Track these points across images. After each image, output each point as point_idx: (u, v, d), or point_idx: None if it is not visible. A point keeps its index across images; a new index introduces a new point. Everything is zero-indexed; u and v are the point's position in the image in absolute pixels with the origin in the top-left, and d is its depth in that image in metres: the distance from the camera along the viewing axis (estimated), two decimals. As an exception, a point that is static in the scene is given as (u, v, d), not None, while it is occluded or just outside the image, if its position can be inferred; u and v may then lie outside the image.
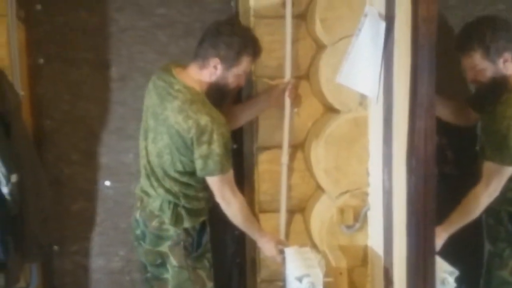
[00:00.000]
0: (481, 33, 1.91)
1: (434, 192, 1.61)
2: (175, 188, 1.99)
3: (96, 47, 2.30)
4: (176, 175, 1.98)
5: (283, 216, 2.18)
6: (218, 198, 2.01)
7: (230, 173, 1.98)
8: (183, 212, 2.00)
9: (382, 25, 1.76)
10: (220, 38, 1.92)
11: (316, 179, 2.16)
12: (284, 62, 2.10)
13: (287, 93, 2.10)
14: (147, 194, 2.05)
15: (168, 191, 1.99)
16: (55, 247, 2.37)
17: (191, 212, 2.02)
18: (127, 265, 2.42)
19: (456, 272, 1.82)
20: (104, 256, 2.41)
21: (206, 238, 2.08)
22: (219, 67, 1.94)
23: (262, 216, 2.22)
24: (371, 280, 2.11)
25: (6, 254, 1.91)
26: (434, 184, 1.61)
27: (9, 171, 1.89)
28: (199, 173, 1.95)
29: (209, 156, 1.90)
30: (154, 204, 2.02)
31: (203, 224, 2.08)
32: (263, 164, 2.19)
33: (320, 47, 2.12)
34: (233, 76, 1.97)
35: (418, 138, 1.56)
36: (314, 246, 2.19)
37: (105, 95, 2.33)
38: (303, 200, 2.22)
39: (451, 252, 1.92)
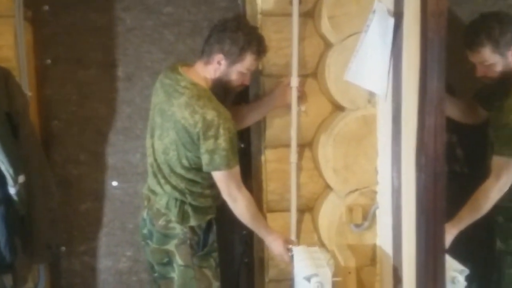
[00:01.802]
0: (489, 27, 1.91)
1: (443, 190, 1.60)
2: (181, 185, 1.99)
3: (103, 47, 2.31)
4: (182, 172, 1.97)
5: (293, 215, 2.17)
6: (225, 195, 2.00)
7: (237, 169, 1.97)
8: (189, 210, 2.00)
9: (391, 21, 1.75)
10: (225, 33, 1.93)
11: (325, 178, 2.15)
12: (292, 60, 2.09)
13: (294, 91, 2.09)
14: (154, 192, 2.05)
15: (174, 188, 1.99)
16: (63, 248, 2.37)
17: (198, 210, 2.01)
18: (134, 266, 2.42)
19: (467, 271, 1.80)
20: (112, 256, 2.41)
21: (212, 237, 2.07)
22: (223, 62, 1.94)
23: (270, 216, 2.21)
24: (380, 279, 2.09)
25: (14, 254, 1.91)
26: (444, 181, 1.60)
27: (17, 171, 1.89)
28: (205, 168, 1.94)
29: (215, 150, 1.89)
30: (161, 202, 2.02)
31: (209, 223, 2.07)
32: (271, 163, 2.18)
33: (328, 44, 2.11)
34: (237, 72, 1.96)
35: (428, 135, 1.54)
36: (322, 245, 2.18)
37: (112, 95, 2.33)
38: (311, 199, 2.21)
39: (461, 251, 1.91)
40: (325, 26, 2.04)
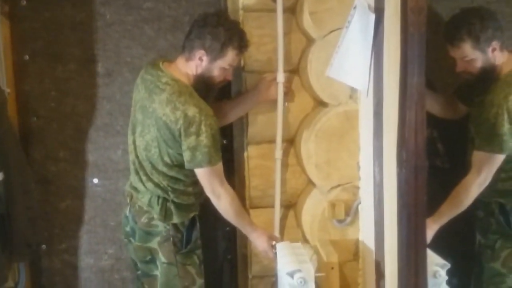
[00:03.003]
0: (470, 23, 1.91)
1: (425, 185, 1.61)
2: (164, 182, 1.97)
3: (83, 42, 2.27)
4: (164, 169, 1.96)
5: (277, 211, 2.16)
6: (208, 192, 1.99)
7: (219, 166, 1.96)
8: (172, 207, 1.98)
9: (372, 17, 1.75)
10: (206, 29, 1.91)
11: (307, 173, 2.15)
12: (274, 56, 2.08)
13: (280, 87, 2.08)
14: (136, 190, 2.03)
15: (157, 185, 1.98)
16: (43, 246, 2.34)
17: (181, 207, 2.00)
18: (116, 263, 2.39)
19: (448, 265, 1.82)
20: (93, 254, 2.39)
21: (196, 234, 2.06)
22: (205, 58, 1.93)
23: (253, 212, 2.20)
24: (363, 274, 2.11)
25: (-7, 253, 1.88)
26: (425, 176, 1.61)
27: (-5, 169, 1.87)
28: (187, 165, 1.93)
29: (197, 147, 1.88)
30: (143, 199, 2.00)
31: (193, 220, 2.06)
32: (254, 159, 2.18)
33: (309, 40, 2.10)
34: (219, 68, 1.95)
35: (409, 129, 1.55)
36: (305, 241, 2.18)
37: (92, 91, 2.30)
38: (294, 195, 2.21)
39: (442, 245, 1.92)
40: (307, 22, 2.04)
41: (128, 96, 2.07)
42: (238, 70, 2.15)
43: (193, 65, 1.95)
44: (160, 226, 1.99)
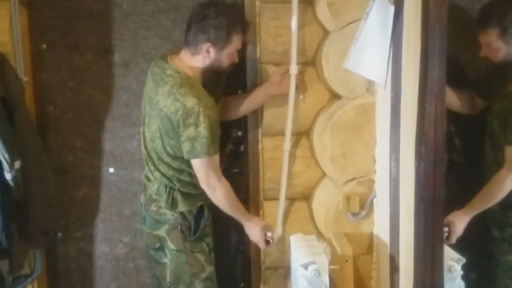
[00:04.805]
0: (502, 13, 1.93)
1: (443, 179, 1.60)
2: (169, 172, 2.00)
3: (100, 32, 2.27)
4: (169, 160, 1.98)
5: (282, 202, 2.15)
6: (203, 184, 1.98)
7: (216, 158, 1.96)
8: (178, 196, 2.01)
9: (391, 9, 1.74)
10: (207, 21, 1.92)
11: (322, 166, 2.15)
12: (290, 48, 2.07)
13: (293, 79, 2.07)
14: (148, 179, 2.08)
15: (163, 175, 2.01)
16: (59, 234, 2.36)
17: (187, 196, 2.02)
18: (131, 252, 2.41)
19: (463, 260, 1.82)
20: (108, 242, 2.40)
21: (204, 222, 2.07)
22: (212, 50, 1.94)
23: (266, 204, 2.21)
24: (377, 267, 2.11)
25: (10, 240, 1.90)
26: (443, 170, 1.60)
27: (13, 157, 1.88)
28: (186, 155, 1.93)
29: (196, 138, 1.88)
30: (153, 188, 2.04)
31: (200, 209, 2.07)
32: (268, 151, 2.18)
33: (326, 32, 2.09)
34: (227, 56, 1.97)
35: (428, 124, 1.54)
36: (319, 233, 2.18)
37: (109, 81, 2.30)
38: (308, 188, 2.21)
39: (458, 239, 1.92)
40: (324, 13, 2.02)
41: (144, 86, 2.08)
42: (254, 62, 2.14)
43: (199, 58, 1.96)
44: (168, 214, 2.02)
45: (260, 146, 2.19)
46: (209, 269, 2.08)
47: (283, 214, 2.17)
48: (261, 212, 2.24)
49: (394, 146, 1.83)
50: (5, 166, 1.87)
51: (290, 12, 2.04)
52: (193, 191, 2.03)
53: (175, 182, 2.01)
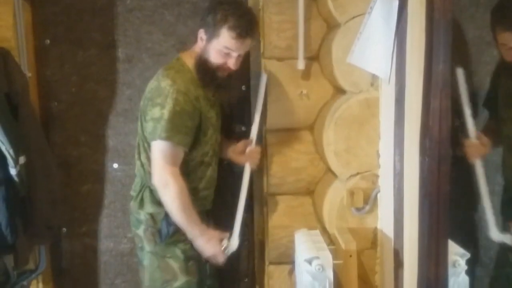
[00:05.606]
0: None
1: (448, 174, 1.59)
2: (146, 162, 1.94)
3: (103, 27, 2.28)
4: (146, 145, 1.92)
5: (240, 212, 2.06)
6: (155, 178, 1.83)
7: (179, 150, 1.84)
8: (147, 194, 1.96)
9: (395, 2, 1.73)
10: (210, 7, 1.90)
11: (326, 161, 2.14)
12: (293, 43, 2.07)
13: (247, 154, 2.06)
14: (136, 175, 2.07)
15: (142, 166, 1.96)
16: (64, 229, 2.37)
17: (153, 198, 1.95)
18: (135, 247, 2.42)
19: (467, 255, 1.80)
20: (113, 238, 2.41)
21: (174, 228, 1.92)
22: (204, 37, 1.91)
23: (271, 199, 2.21)
24: (380, 262, 2.10)
25: (15, 235, 1.91)
26: (448, 165, 1.59)
27: (17, 152, 1.88)
28: (148, 137, 1.86)
29: (159, 120, 1.81)
30: (135, 183, 2.04)
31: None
32: (272, 146, 2.17)
33: (330, 27, 2.08)
34: (215, 50, 1.87)
35: (433, 118, 1.53)
36: (323, 228, 2.18)
37: (112, 77, 2.31)
38: (312, 183, 2.20)
39: (461, 234, 1.91)
40: (328, 7, 2.01)
41: (147, 82, 2.07)
42: (257, 57, 2.14)
43: (197, 46, 1.94)
44: (141, 214, 1.97)
45: (264, 141, 2.19)
46: (183, 279, 1.94)
47: (240, 224, 2.05)
48: (265, 208, 2.24)
49: (399, 140, 1.82)
50: (10, 162, 1.87)
51: (294, 6, 2.03)
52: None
53: (148, 175, 1.92)
